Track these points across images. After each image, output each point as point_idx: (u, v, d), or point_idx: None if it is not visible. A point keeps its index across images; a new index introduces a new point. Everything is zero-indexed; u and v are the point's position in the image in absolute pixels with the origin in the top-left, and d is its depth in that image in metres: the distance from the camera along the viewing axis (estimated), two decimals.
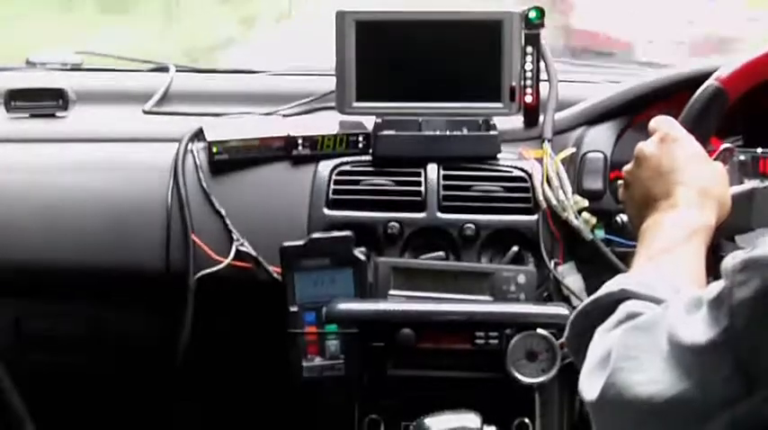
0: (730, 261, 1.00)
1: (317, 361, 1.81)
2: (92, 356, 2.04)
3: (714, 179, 1.43)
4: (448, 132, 1.98)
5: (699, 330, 1.01)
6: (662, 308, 1.12)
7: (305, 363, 1.80)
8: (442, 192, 1.93)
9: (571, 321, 1.27)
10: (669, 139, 1.44)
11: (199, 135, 2.03)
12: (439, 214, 1.92)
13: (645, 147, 1.46)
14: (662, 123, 1.48)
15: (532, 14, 1.98)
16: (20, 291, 1.99)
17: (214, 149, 1.98)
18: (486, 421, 1.73)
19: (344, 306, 1.77)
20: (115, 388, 2.13)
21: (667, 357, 1.04)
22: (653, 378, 1.05)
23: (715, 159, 1.53)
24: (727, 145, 1.62)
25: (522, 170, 1.95)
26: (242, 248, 1.89)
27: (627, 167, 1.50)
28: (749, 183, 1.57)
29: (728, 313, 0.97)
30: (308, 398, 1.91)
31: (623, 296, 1.20)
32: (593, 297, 1.25)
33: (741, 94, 1.67)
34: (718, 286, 1.01)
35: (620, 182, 1.88)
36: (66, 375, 2.09)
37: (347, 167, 1.97)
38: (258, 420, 2.15)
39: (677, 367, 1.03)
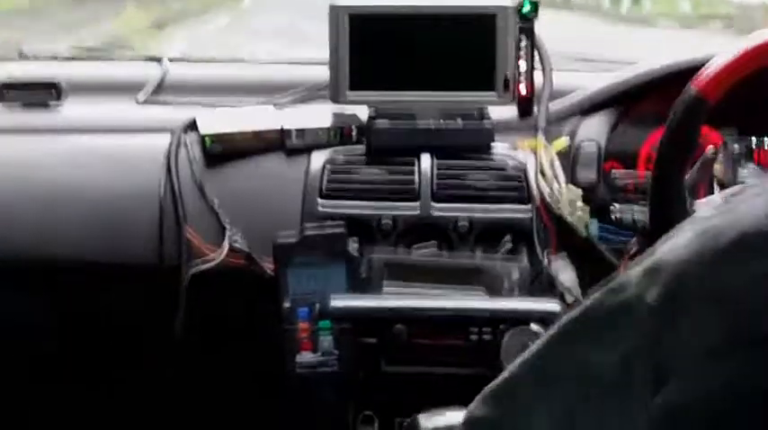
0: (631, 269, 0.96)
1: (311, 357, 1.80)
2: (87, 347, 2.04)
3: None
4: (442, 123, 1.97)
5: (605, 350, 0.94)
6: None
7: (298, 359, 1.80)
8: (435, 183, 1.93)
9: None
10: None
11: (192, 126, 2.02)
12: (432, 205, 1.91)
13: None
14: None
15: (526, 8, 1.97)
16: (11, 282, 1.99)
17: (207, 141, 1.98)
18: None
19: (338, 302, 1.76)
20: (111, 378, 2.13)
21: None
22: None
23: (700, 167, 1.52)
24: (710, 151, 1.62)
25: (516, 160, 1.95)
26: (235, 242, 1.89)
27: None
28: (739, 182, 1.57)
29: (636, 322, 0.93)
30: (302, 394, 1.92)
31: None
32: None
33: (721, 96, 1.66)
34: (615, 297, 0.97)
35: (614, 173, 1.90)
36: (61, 366, 2.09)
37: (341, 159, 1.97)
38: (251, 415, 2.15)
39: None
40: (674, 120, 1.65)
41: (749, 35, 1.68)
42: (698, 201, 1.65)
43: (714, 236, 0.87)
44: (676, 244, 0.90)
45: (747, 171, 1.69)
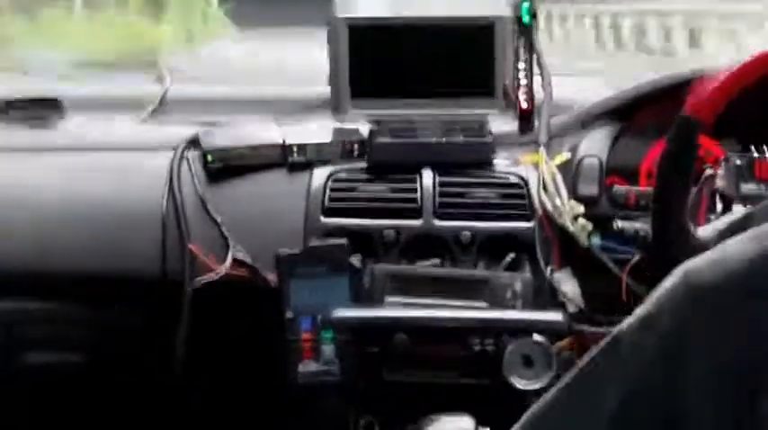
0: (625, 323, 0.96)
1: (313, 366, 1.80)
2: (91, 360, 2.04)
3: None
4: (443, 139, 1.98)
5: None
6: None
7: (301, 369, 1.80)
8: (437, 199, 1.93)
9: None
10: None
11: (194, 143, 2.03)
12: (435, 221, 1.91)
13: None
14: None
15: (525, 18, 1.98)
16: (15, 296, 1.99)
17: (209, 157, 1.98)
18: (481, 426, 1.72)
19: (340, 312, 1.76)
20: (113, 393, 2.13)
21: None
22: None
23: (701, 185, 1.53)
24: (709, 172, 1.62)
25: (518, 176, 1.95)
26: (238, 256, 1.89)
27: None
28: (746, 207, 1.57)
29: (633, 375, 0.92)
30: (304, 404, 1.91)
31: None
32: None
33: (716, 117, 1.66)
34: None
35: (616, 188, 1.90)
36: (63, 378, 2.09)
37: (343, 175, 1.97)
38: (254, 425, 2.15)
39: None
40: (671, 144, 1.66)
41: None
42: (699, 227, 1.66)
43: (701, 284, 0.88)
44: (667, 295, 0.90)
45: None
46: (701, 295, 0.88)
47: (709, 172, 1.64)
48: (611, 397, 0.92)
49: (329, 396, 1.86)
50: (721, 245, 0.91)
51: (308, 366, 1.80)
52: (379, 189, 1.95)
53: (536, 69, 2.01)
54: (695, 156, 1.65)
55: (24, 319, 2.01)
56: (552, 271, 1.88)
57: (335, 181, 1.96)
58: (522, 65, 1.99)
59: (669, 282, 0.91)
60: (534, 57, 1.99)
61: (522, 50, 1.98)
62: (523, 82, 1.99)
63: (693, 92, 1.67)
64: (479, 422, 1.71)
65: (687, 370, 0.87)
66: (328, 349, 1.79)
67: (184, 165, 1.99)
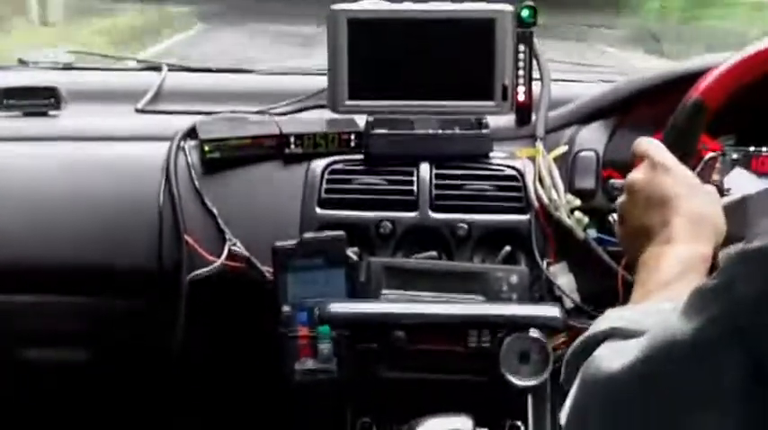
0: (726, 255, 0.97)
1: (310, 363, 1.78)
2: (89, 353, 2.04)
3: (708, 205, 1.38)
4: (440, 131, 1.98)
5: (695, 328, 0.94)
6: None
7: (297, 366, 1.78)
8: (434, 191, 1.93)
9: (565, 361, 1.20)
10: (658, 167, 1.40)
11: (191, 133, 2.03)
12: (431, 213, 1.92)
13: (634, 178, 1.42)
14: (648, 149, 1.43)
15: (525, 13, 1.98)
16: (12, 288, 1.98)
17: (206, 148, 1.98)
18: (478, 423, 1.73)
19: (337, 307, 1.76)
20: (111, 385, 2.13)
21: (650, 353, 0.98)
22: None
23: (700, 172, 1.53)
24: (711, 154, 1.62)
25: (515, 169, 1.95)
26: (234, 248, 1.89)
27: (619, 201, 1.47)
28: (741, 191, 1.57)
29: (730, 308, 0.92)
30: (301, 401, 1.91)
31: (611, 334, 1.14)
32: (582, 336, 1.18)
33: (722, 103, 1.66)
34: (711, 282, 0.96)
35: (612, 181, 1.90)
36: (61, 371, 2.09)
37: (339, 166, 1.97)
38: (251, 421, 2.15)
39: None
40: (675, 125, 1.66)
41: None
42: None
43: None
44: None
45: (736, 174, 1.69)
46: None
47: (710, 154, 1.64)
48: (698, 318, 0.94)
49: (326, 394, 1.86)
50: None
51: (305, 364, 1.78)
52: (376, 181, 1.95)
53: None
54: (697, 140, 1.65)
55: (20, 312, 2.01)
56: (548, 264, 1.88)
57: (332, 172, 1.96)
58: (521, 59, 1.99)
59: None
60: (532, 51, 2.00)
61: (521, 45, 1.99)
62: (522, 76, 2.00)
63: (704, 77, 1.67)
64: (476, 419, 1.71)
65: None
66: (326, 346, 1.77)
67: (181, 156, 1.99)
